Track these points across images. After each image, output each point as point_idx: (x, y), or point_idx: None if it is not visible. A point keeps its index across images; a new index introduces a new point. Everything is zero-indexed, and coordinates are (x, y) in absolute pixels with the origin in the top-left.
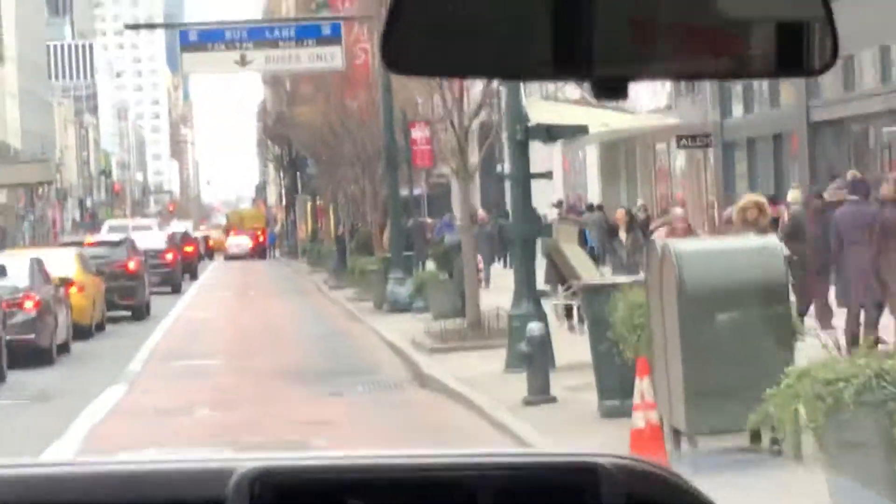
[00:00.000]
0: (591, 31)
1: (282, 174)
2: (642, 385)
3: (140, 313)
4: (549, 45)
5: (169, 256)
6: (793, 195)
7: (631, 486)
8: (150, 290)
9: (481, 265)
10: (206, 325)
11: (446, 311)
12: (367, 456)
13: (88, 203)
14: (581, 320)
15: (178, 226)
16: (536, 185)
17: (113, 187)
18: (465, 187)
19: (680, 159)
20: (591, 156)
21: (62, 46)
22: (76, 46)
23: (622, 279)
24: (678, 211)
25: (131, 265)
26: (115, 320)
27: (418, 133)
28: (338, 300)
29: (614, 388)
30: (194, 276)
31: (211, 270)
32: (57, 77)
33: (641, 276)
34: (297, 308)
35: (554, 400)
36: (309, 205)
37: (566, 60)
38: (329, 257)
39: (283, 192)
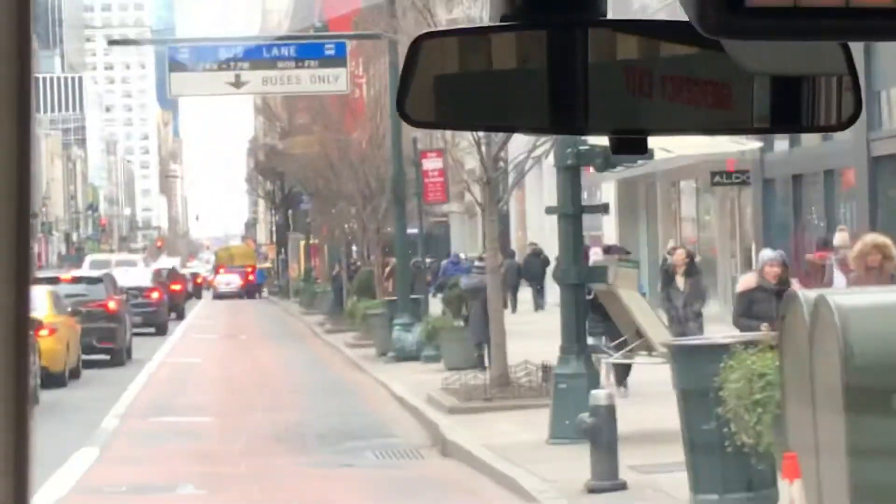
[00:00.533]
0: (587, 90)
1: (273, 211)
2: (792, 491)
3: (120, 358)
4: (546, 101)
5: (154, 295)
6: (840, 238)
7: None
8: (133, 332)
9: None
10: (194, 373)
11: (460, 362)
12: None
13: (74, 237)
14: (621, 383)
15: (166, 262)
16: (548, 223)
17: (99, 221)
18: (491, 221)
19: (708, 198)
20: (608, 193)
21: (51, 79)
22: (65, 79)
23: (733, 337)
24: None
25: (111, 304)
26: (92, 364)
27: (431, 164)
28: (336, 346)
29: (714, 480)
30: (181, 316)
31: (199, 308)
32: (45, 110)
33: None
34: (293, 354)
35: (624, 486)
36: (302, 243)
37: (563, 117)
38: (324, 298)
39: (274, 229)
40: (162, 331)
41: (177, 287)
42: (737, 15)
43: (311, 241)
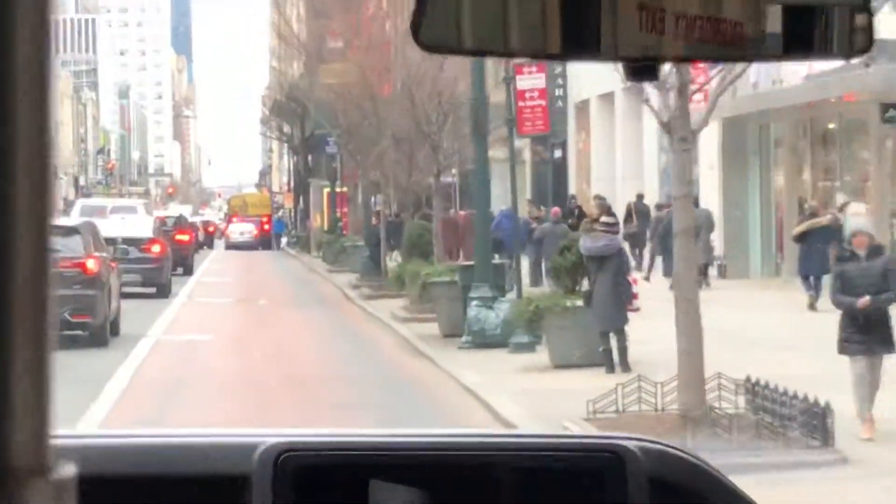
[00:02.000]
0: (601, 13)
1: (291, 155)
2: None
3: (101, 336)
4: (559, 26)
5: (156, 248)
6: None
7: (655, 469)
8: (126, 295)
9: (635, 280)
10: (198, 361)
11: (574, 357)
12: (392, 434)
13: (83, 181)
14: None
15: (174, 209)
16: (626, 170)
17: (108, 165)
18: (685, 151)
19: (854, 142)
20: (710, 135)
21: (64, 20)
22: (79, 21)
23: None
24: None
25: (89, 264)
26: (66, 344)
27: (528, 83)
28: (381, 318)
29: None
30: (189, 271)
31: (210, 262)
32: (56, 51)
33: None
34: (330, 330)
35: None
36: (326, 190)
37: (576, 41)
38: (354, 254)
39: (292, 175)
40: (164, 292)
41: (184, 237)
42: None
43: (338, 189)
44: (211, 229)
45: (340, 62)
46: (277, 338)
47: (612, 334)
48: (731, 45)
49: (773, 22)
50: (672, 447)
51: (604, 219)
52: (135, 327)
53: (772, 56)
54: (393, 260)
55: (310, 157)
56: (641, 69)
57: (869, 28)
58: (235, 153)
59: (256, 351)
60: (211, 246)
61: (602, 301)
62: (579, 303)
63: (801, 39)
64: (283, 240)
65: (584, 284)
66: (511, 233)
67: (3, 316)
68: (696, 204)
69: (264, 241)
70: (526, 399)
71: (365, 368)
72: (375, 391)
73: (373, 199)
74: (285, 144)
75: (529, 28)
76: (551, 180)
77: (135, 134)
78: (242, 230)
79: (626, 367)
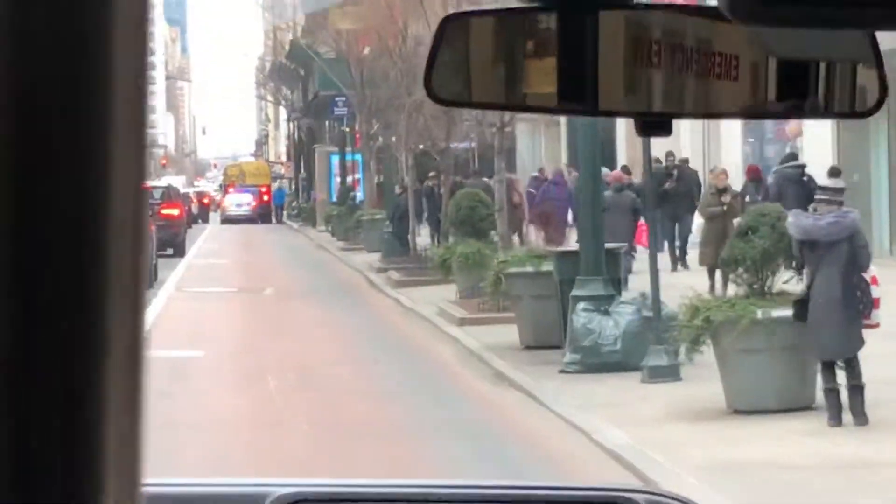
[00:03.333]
0: (608, 69)
1: (293, 121)
2: None
3: None
4: (555, 82)
5: None
6: None
7: None
8: None
9: (874, 279)
10: (180, 401)
11: (773, 398)
12: (403, 485)
13: None
14: None
15: (166, 181)
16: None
17: None
18: None
19: None
20: None
21: None
22: None
23: None
24: None
25: None
26: None
27: None
28: (426, 316)
29: None
30: (180, 252)
31: (205, 239)
32: None
33: None
34: (361, 336)
35: None
36: (336, 158)
37: (574, 96)
38: (372, 229)
39: (294, 142)
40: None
41: (173, 212)
42: (769, 2)
43: (346, 157)
44: (206, 201)
45: (355, 3)
46: (294, 353)
47: (837, 365)
48: (736, 101)
49: (783, 79)
50: (678, 499)
51: (828, 181)
52: None
53: (781, 114)
54: (420, 237)
55: (312, 124)
56: (654, 124)
57: (882, 82)
58: (232, 124)
59: (269, 377)
60: (206, 220)
61: (825, 312)
62: (779, 313)
63: (811, 96)
64: (284, 212)
65: (777, 282)
66: (562, 204)
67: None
68: (803, 172)
69: (263, 214)
70: (735, 488)
71: (429, 408)
72: (458, 455)
73: (405, 162)
74: (284, 111)
75: (532, 86)
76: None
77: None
78: (240, 201)
79: (860, 416)
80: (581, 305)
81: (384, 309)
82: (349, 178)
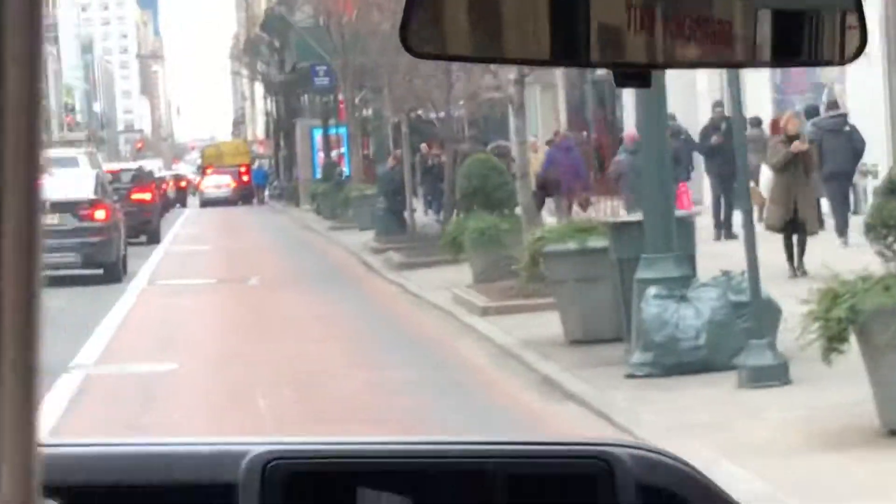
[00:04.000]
0: (589, 20)
1: (271, 96)
2: None
3: None
4: (548, 32)
5: (99, 214)
6: None
7: (644, 476)
8: (55, 282)
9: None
10: (157, 431)
11: None
12: (380, 441)
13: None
14: None
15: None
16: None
17: (66, 120)
18: None
19: None
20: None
21: None
22: None
23: None
24: None
25: None
26: None
27: None
28: (441, 306)
29: None
30: (154, 239)
31: (182, 224)
32: None
33: None
34: (367, 332)
35: None
36: (318, 133)
37: (564, 47)
38: (362, 205)
39: (273, 119)
40: (114, 275)
41: (144, 196)
42: None
43: (330, 130)
44: (183, 184)
45: None
46: (287, 360)
47: None
48: (723, 50)
49: (764, 27)
50: (662, 453)
51: None
52: (54, 349)
53: (763, 62)
54: (417, 212)
55: (292, 98)
56: (631, 75)
57: (862, 30)
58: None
59: (258, 395)
60: (184, 203)
61: None
62: None
63: (792, 45)
64: (266, 192)
65: None
66: (571, 170)
67: None
68: (846, 121)
69: (244, 195)
70: None
71: (474, 432)
72: None
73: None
74: (261, 87)
75: (520, 34)
76: (593, 105)
77: (101, 89)
78: (219, 183)
79: None
80: (652, 291)
81: (388, 297)
82: (333, 153)
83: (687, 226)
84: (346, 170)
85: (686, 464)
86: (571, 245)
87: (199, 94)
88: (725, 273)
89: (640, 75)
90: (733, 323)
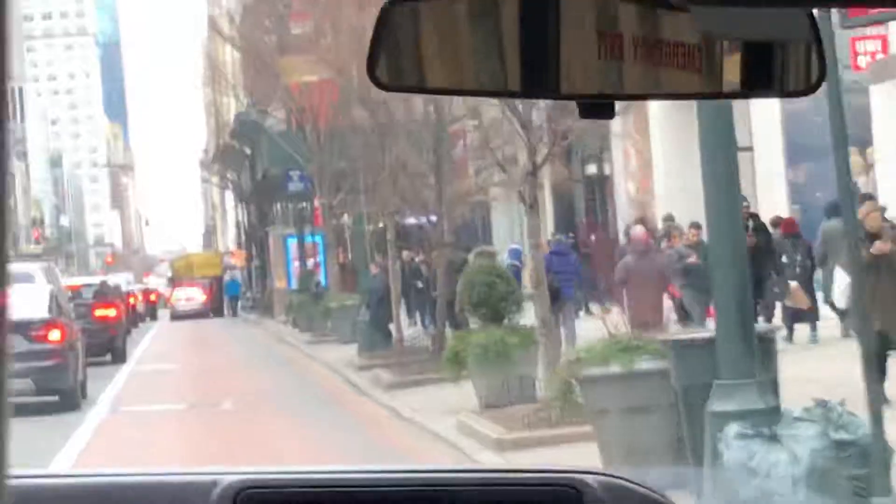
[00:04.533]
0: (560, 52)
1: (242, 205)
2: None
3: None
4: (518, 65)
5: (54, 335)
6: None
7: (610, 501)
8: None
9: None
10: None
11: None
12: (349, 471)
13: (12, 254)
14: None
15: (96, 278)
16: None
17: (33, 235)
18: None
19: None
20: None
21: None
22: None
23: None
24: None
25: None
26: None
27: None
28: (446, 436)
29: None
30: (120, 358)
31: (151, 339)
32: None
33: None
34: None
35: None
36: (292, 241)
37: (535, 80)
38: (342, 317)
39: (244, 228)
40: (71, 402)
41: (108, 312)
42: None
43: (306, 238)
44: (153, 298)
45: (307, 56)
46: None
47: None
48: (688, 82)
49: (729, 59)
50: (631, 481)
51: None
52: None
53: (729, 94)
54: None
55: (264, 205)
56: (596, 106)
57: (821, 61)
58: (179, 217)
59: None
60: (154, 317)
61: None
62: None
63: (756, 76)
64: (239, 304)
65: None
66: (569, 276)
67: None
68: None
69: (216, 308)
70: None
71: None
72: None
73: (387, 235)
74: (232, 195)
75: (488, 67)
76: (583, 205)
77: (70, 202)
78: (190, 296)
79: None
80: (733, 429)
81: (381, 425)
82: (310, 262)
83: (768, 345)
84: (322, 279)
85: (655, 491)
86: (616, 368)
87: (170, 205)
88: (821, 403)
89: (605, 106)
90: (838, 469)
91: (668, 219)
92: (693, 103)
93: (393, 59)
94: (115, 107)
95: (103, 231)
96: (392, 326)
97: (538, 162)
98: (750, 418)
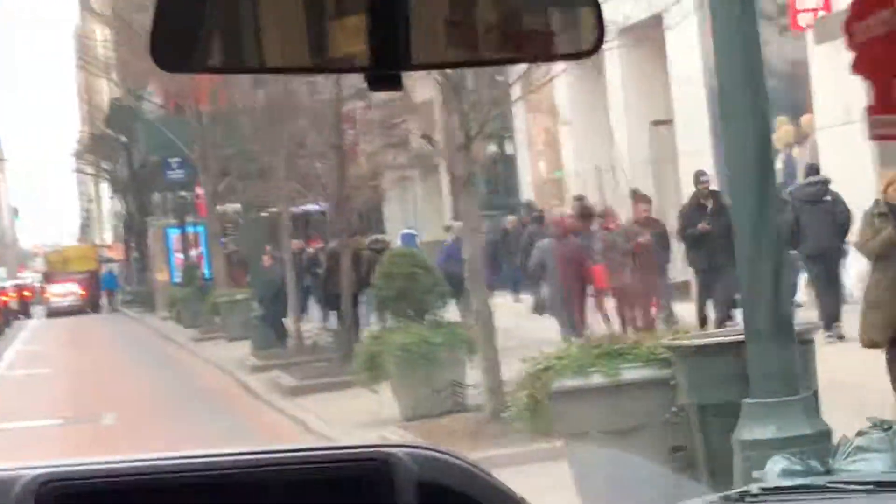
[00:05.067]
0: (365, 23)
1: (120, 196)
2: None
3: None
4: (324, 39)
5: None
6: None
7: (424, 474)
8: None
9: None
10: None
11: None
12: (157, 458)
13: None
14: None
15: None
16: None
17: None
18: None
19: None
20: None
21: None
22: None
23: None
24: None
25: None
26: None
27: None
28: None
29: None
30: None
31: (23, 343)
32: None
33: None
34: None
35: None
36: (174, 233)
37: (338, 53)
38: (233, 314)
39: (124, 218)
40: None
41: None
42: None
43: (188, 229)
44: (26, 294)
45: None
46: None
47: None
48: (472, 49)
49: (511, 24)
50: (443, 451)
51: None
52: None
53: (510, 59)
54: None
55: (142, 195)
56: (383, 78)
57: (599, 25)
58: (53, 209)
59: None
60: (28, 314)
61: None
62: None
63: (537, 40)
64: (118, 298)
65: None
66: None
67: None
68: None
69: (94, 303)
70: None
71: None
72: None
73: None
74: (108, 187)
75: (278, 43)
76: (483, 186)
77: None
78: (65, 291)
79: None
80: (779, 465)
81: (286, 439)
82: (193, 253)
83: (807, 348)
84: (206, 272)
85: (468, 461)
86: (597, 379)
87: (44, 197)
88: (880, 424)
89: (392, 78)
90: None
91: (579, 198)
92: (604, 77)
93: (179, 39)
94: None
95: None
96: (289, 322)
97: (471, 133)
98: (794, 445)
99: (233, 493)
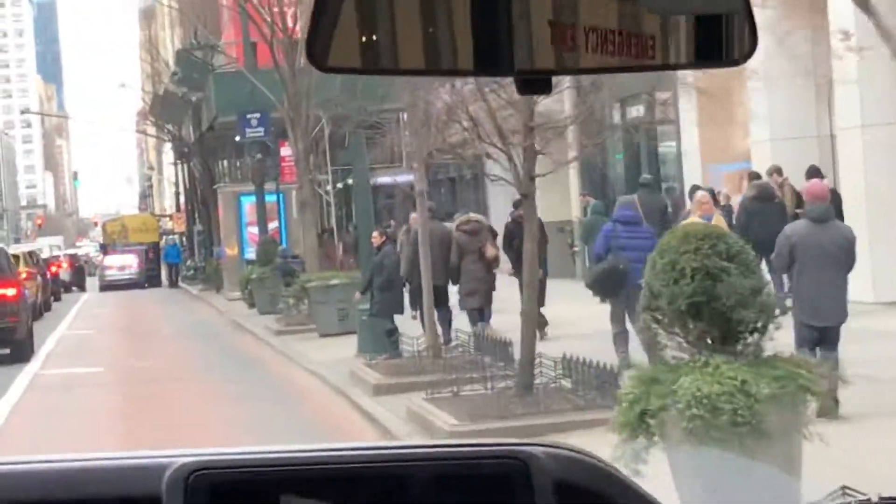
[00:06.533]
0: (513, 28)
1: (183, 161)
2: None
3: None
4: (471, 42)
5: None
6: None
7: (560, 473)
8: None
9: None
10: None
11: None
12: (302, 450)
13: None
14: None
15: (42, 244)
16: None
17: None
18: None
19: None
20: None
21: None
22: None
23: None
24: None
25: None
26: None
27: None
28: None
29: None
30: (21, 354)
31: (70, 323)
32: None
33: None
34: None
35: None
36: (248, 202)
37: (488, 57)
38: (326, 303)
39: (186, 187)
40: None
41: (5, 292)
42: None
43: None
44: (81, 265)
45: None
46: None
47: None
48: (630, 55)
49: (664, 32)
50: (580, 451)
51: None
52: None
53: (667, 66)
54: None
55: (210, 160)
56: (534, 82)
57: (752, 32)
58: (115, 179)
59: None
60: (82, 286)
61: None
62: None
63: (691, 48)
64: (179, 277)
65: None
66: (641, 253)
67: None
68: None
69: (151, 276)
70: None
71: None
72: None
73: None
74: (171, 154)
75: (443, 49)
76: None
77: (2, 165)
78: (122, 263)
79: None
80: None
81: None
82: (271, 227)
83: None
84: (283, 247)
85: (604, 461)
86: None
87: (106, 167)
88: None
89: (542, 82)
90: None
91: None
92: None
93: (334, 39)
94: (50, 67)
95: (36, 192)
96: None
97: None
98: None
99: (374, 486)
